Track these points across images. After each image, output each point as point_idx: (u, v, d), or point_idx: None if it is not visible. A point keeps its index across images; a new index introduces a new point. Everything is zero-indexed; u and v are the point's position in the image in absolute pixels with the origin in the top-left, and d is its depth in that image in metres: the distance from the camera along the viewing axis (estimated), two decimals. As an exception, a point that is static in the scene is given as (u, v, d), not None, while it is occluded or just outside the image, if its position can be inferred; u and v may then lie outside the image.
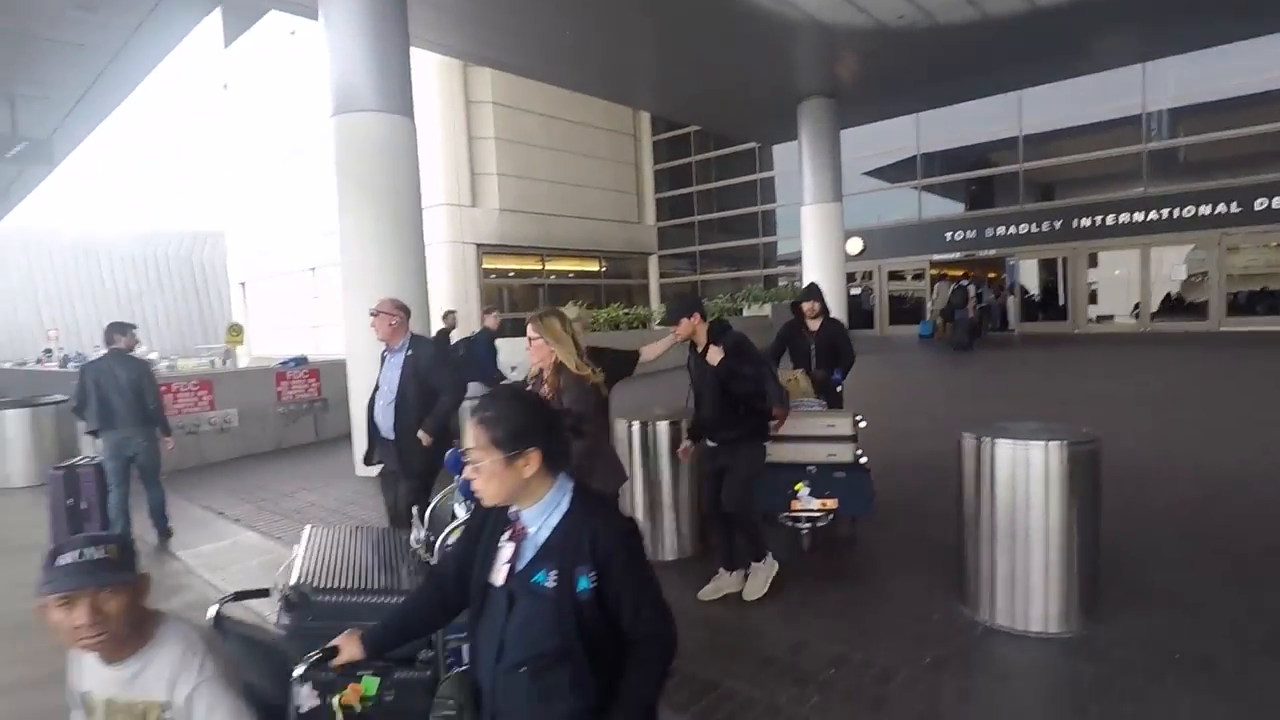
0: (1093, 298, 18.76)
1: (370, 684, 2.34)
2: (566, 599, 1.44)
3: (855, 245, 20.88)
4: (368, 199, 7.29)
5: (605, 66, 13.85)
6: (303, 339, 22.11)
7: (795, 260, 23.22)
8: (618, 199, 23.91)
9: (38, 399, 8.54)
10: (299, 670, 1.64)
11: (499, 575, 1.52)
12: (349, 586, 2.41)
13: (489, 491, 1.50)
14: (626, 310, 15.22)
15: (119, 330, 5.50)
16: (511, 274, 21.51)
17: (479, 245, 19.66)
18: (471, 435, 1.49)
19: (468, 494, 2.96)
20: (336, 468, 7.83)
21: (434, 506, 3.37)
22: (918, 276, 21.22)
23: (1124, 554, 4.03)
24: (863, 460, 4.25)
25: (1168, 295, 17.90)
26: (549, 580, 1.46)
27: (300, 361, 9.60)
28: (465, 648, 2.54)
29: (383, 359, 4.28)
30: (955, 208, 20.87)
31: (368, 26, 7.23)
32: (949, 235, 20.24)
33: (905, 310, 21.32)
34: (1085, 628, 3.22)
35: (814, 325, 5.40)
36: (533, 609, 1.46)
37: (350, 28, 7.23)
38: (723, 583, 3.91)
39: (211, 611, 2.01)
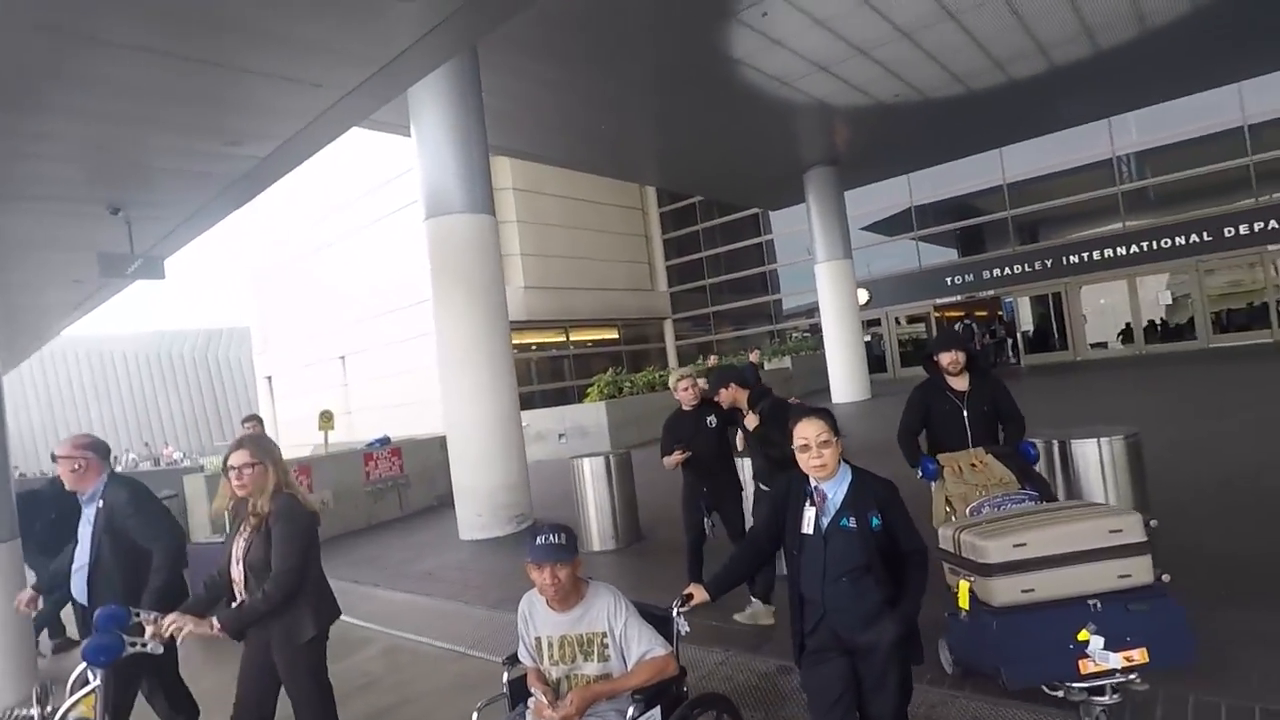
0: (1086, 327, 19.91)
1: None
2: (866, 532, 2.30)
3: (862, 295, 22.06)
4: (460, 289, 8.21)
5: (617, 148, 15.14)
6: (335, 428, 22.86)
7: (802, 314, 24.38)
8: (631, 269, 25.20)
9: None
10: (676, 607, 2.41)
11: (808, 527, 2.35)
12: None
13: (830, 465, 2.33)
14: (661, 372, 16.12)
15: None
16: (534, 347, 22.48)
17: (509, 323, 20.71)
18: (820, 427, 2.32)
19: (100, 659, 2.55)
20: (439, 537, 8.48)
21: (41, 690, 2.87)
22: (919, 320, 22.37)
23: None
24: (1164, 579, 2.72)
25: (1157, 320, 19.09)
26: (851, 522, 2.31)
27: (385, 442, 10.35)
28: None
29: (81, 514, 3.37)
30: (951, 254, 22.18)
31: (454, 139, 8.28)
32: (949, 280, 21.44)
33: (914, 354, 22.35)
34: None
35: (960, 383, 3.97)
36: (844, 541, 2.30)
37: (440, 140, 8.28)
38: (757, 611, 4.34)
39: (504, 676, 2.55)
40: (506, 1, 6.28)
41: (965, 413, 3.89)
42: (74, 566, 3.34)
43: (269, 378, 29.07)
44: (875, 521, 2.30)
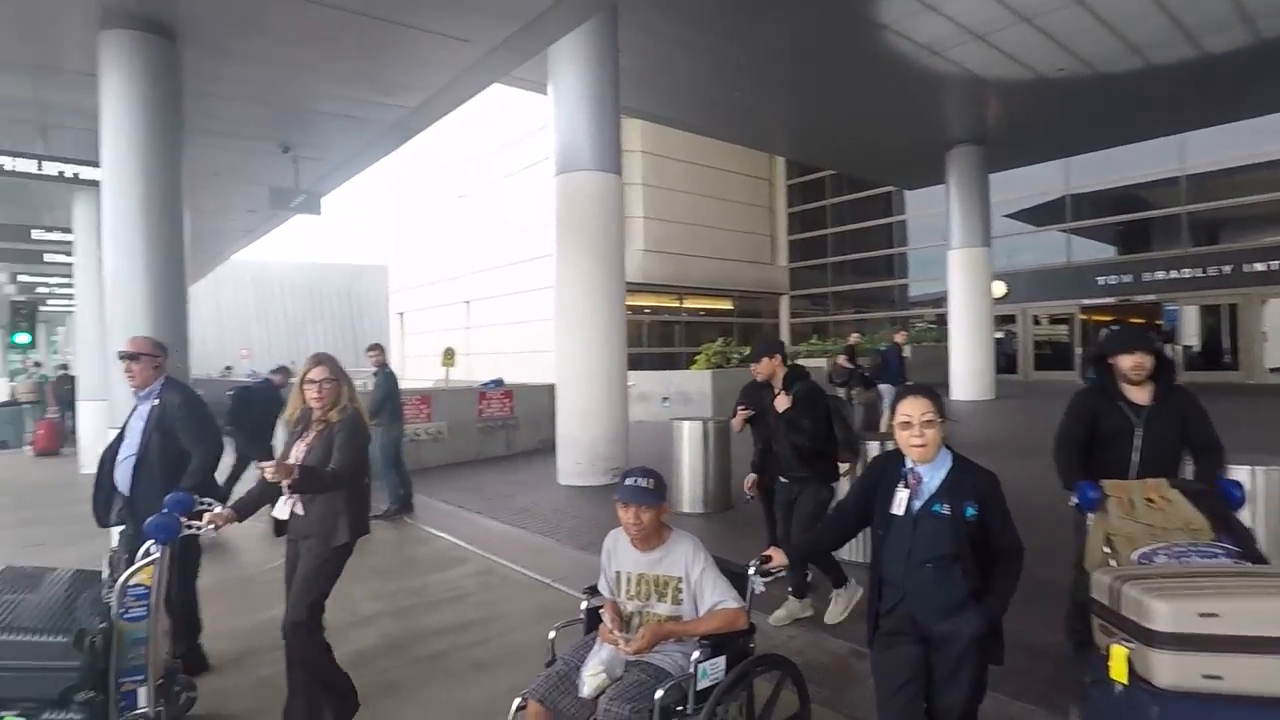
0: (1265, 346, 17.68)
1: None
2: (959, 521, 2.24)
3: (999, 289, 20.67)
4: (583, 244, 8.45)
5: (750, 115, 14.80)
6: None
7: (928, 303, 23.19)
8: (752, 240, 24.85)
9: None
10: (754, 565, 2.48)
11: (898, 508, 2.33)
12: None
13: (930, 448, 2.29)
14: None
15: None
16: (647, 310, 22.75)
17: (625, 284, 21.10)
18: (926, 405, 2.29)
19: (161, 536, 2.81)
20: (539, 478, 8.92)
21: (114, 556, 3.13)
22: (1062, 321, 20.71)
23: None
24: None
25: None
26: (944, 509, 2.26)
27: (498, 384, 10.93)
28: (141, 690, 2.69)
29: (134, 408, 3.62)
30: (1107, 251, 20.27)
31: (589, 97, 8.44)
32: (1101, 279, 19.66)
33: (1051, 356, 20.77)
34: None
35: (1140, 395, 3.12)
36: (934, 527, 2.26)
37: (575, 98, 8.47)
38: (793, 608, 4.12)
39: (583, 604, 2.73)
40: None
41: (1140, 432, 3.06)
42: (120, 457, 3.54)
43: (400, 314, 31.12)
44: (970, 512, 2.24)
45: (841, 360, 10.97)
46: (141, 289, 6.15)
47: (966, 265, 15.91)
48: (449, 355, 10.43)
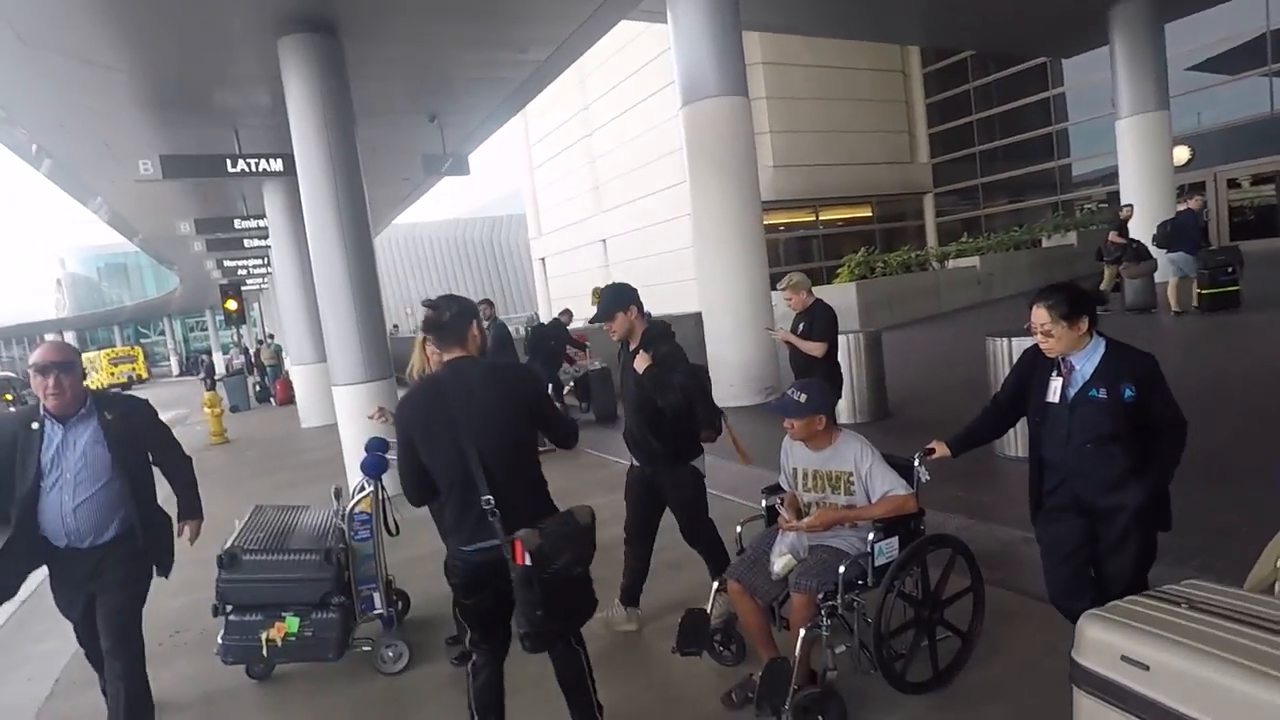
0: None
1: (292, 623, 3.25)
2: (1117, 403, 2.34)
3: (1180, 154, 18.26)
4: (716, 170, 8.56)
5: (880, 7, 13.81)
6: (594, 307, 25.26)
7: (1095, 181, 20.95)
8: (888, 140, 23.43)
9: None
10: (919, 457, 2.74)
11: (1053, 396, 2.46)
12: (271, 548, 3.33)
13: (1056, 348, 2.42)
14: (918, 252, 15.31)
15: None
16: (782, 228, 22.31)
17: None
18: (1042, 316, 2.40)
19: (372, 472, 3.47)
20: (695, 401, 9.41)
21: (338, 490, 3.93)
22: (1268, 180, 18.00)
23: None
24: None
25: None
26: (1101, 393, 2.37)
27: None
28: (376, 595, 3.46)
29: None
30: (1324, 94, 17.24)
31: (709, 20, 8.36)
32: (1316, 130, 16.83)
33: (1254, 222, 18.24)
34: None
35: None
36: (1092, 411, 2.38)
37: (695, 25, 8.43)
38: (618, 615, 3.59)
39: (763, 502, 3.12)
40: None
41: None
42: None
43: (542, 260, 32.55)
44: (1128, 394, 2.31)
45: (1114, 236, 10.93)
46: (339, 259, 7.08)
47: (1140, 133, 14.18)
48: (597, 294, 10.99)
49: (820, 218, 22.62)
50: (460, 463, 2.19)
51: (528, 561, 2.07)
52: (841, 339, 7.01)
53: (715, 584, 2.98)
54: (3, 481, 2.64)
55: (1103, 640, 1.64)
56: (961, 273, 16.78)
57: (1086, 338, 2.41)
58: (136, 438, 2.84)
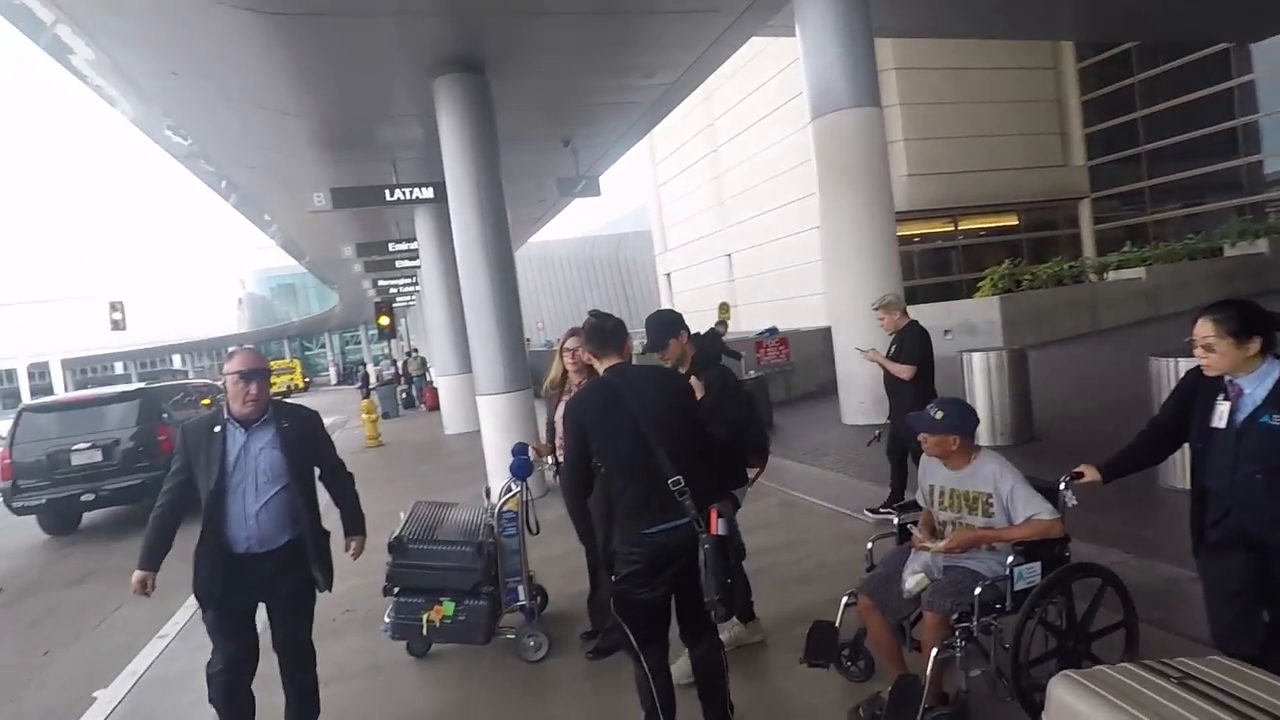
0: None
1: (449, 607, 3.61)
2: None
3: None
4: (847, 184, 8.42)
5: (1027, 6, 13.02)
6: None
7: (1293, 180, 18.57)
8: (1036, 143, 21.90)
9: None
10: (1065, 480, 2.62)
11: (1219, 421, 2.27)
12: (431, 539, 3.72)
13: (1217, 366, 2.25)
14: (1071, 263, 14.19)
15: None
16: (916, 239, 21.38)
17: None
18: (1207, 328, 2.24)
19: (521, 474, 3.79)
20: (823, 419, 9.26)
21: (488, 490, 4.37)
22: None
23: None
24: None
25: None
26: (1274, 419, 2.16)
27: (773, 332, 11.40)
28: (520, 588, 3.77)
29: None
30: None
31: (839, 30, 8.25)
32: None
33: None
34: None
35: None
36: (1262, 439, 2.17)
37: (824, 36, 8.33)
38: (738, 633, 3.55)
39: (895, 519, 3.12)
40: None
41: None
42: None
43: (667, 275, 33.03)
44: None
45: None
46: (484, 278, 7.63)
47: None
48: (724, 309, 11.10)
49: (959, 227, 21.48)
50: (644, 450, 2.42)
51: (722, 530, 2.35)
52: (980, 356, 6.72)
53: (845, 599, 2.98)
54: (194, 484, 2.76)
55: (1067, 704, 1.58)
56: (1123, 285, 15.39)
57: (1258, 360, 2.22)
58: (307, 446, 2.91)
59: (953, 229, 21.39)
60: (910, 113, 19.87)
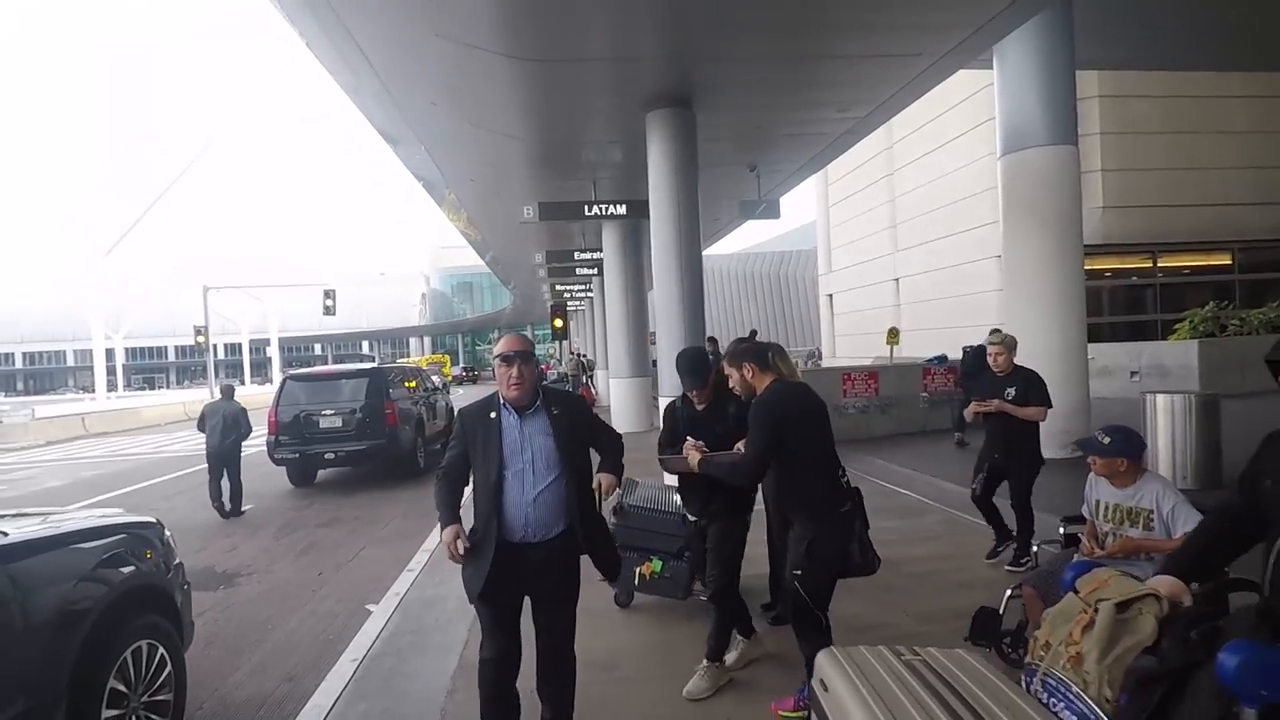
0: None
1: (657, 564, 4.37)
2: None
3: None
4: (1035, 222, 8.44)
5: (1257, 34, 12.00)
6: (882, 345, 24.88)
7: None
8: (1261, 177, 19.68)
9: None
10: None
11: None
12: (645, 507, 4.53)
13: None
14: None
15: None
16: (1107, 274, 19.94)
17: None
18: None
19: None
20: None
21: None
22: None
23: None
24: None
25: None
26: None
27: (942, 360, 11.45)
28: None
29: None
30: None
31: (1040, 63, 8.29)
32: None
33: None
34: None
35: None
36: None
37: (1024, 70, 8.40)
38: (746, 650, 3.84)
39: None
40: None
41: None
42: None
43: (830, 296, 32.79)
44: None
45: None
46: (676, 289, 8.54)
47: None
48: (893, 334, 11.38)
49: (1159, 264, 19.79)
50: (828, 445, 3.06)
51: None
52: (1164, 399, 6.69)
53: (1009, 591, 3.45)
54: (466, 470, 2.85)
55: (822, 665, 2.06)
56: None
57: None
58: (577, 431, 2.88)
59: (1151, 265, 19.76)
60: (1112, 142, 18.66)
